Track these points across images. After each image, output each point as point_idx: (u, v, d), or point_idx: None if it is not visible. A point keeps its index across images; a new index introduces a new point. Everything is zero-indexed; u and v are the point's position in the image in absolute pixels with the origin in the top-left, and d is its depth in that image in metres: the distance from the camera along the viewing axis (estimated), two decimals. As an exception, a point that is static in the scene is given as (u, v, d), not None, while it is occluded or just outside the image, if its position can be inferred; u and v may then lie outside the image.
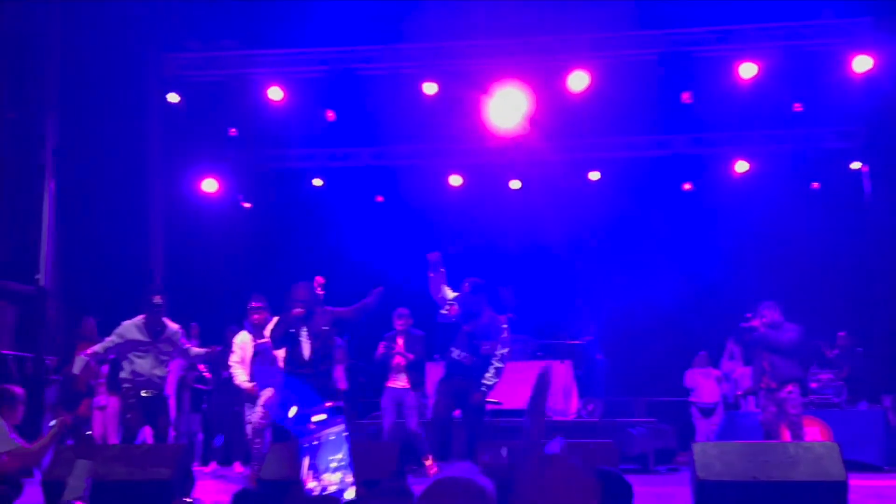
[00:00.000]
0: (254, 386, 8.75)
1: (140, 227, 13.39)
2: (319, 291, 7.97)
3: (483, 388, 7.81)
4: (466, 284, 7.87)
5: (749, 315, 8.71)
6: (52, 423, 6.88)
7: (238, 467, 10.43)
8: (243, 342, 8.94)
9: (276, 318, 8.48)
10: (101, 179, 11.99)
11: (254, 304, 8.96)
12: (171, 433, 10.57)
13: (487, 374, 7.81)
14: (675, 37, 12.04)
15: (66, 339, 11.05)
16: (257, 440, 8.68)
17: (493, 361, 7.79)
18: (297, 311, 7.92)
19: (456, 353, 7.84)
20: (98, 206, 12.04)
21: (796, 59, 11.97)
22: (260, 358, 8.81)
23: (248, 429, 8.84)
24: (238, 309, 9.34)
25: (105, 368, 10.16)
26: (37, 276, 11.05)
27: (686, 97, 11.84)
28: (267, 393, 8.62)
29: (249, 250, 14.61)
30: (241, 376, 8.81)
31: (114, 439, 10.40)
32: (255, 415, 8.73)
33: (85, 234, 12.12)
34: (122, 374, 8.16)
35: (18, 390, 6.81)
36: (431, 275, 7.87)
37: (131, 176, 13.05)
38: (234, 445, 10.75)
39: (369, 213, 15.54)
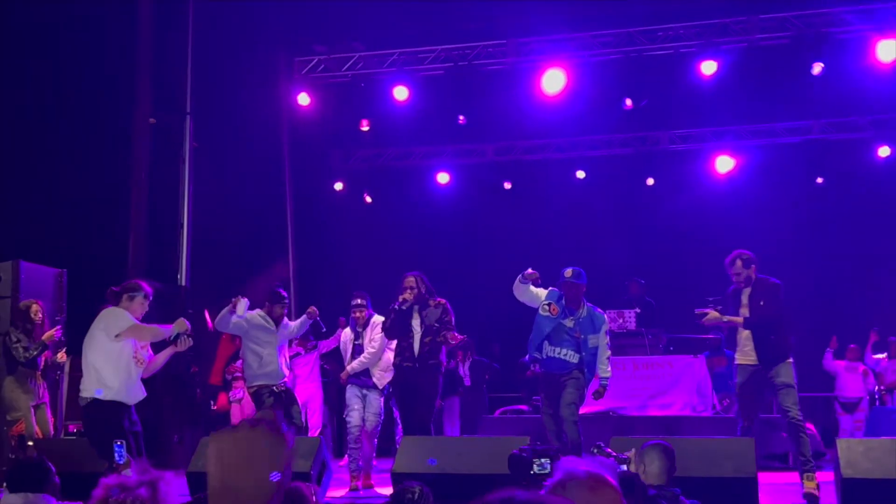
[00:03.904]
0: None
1: (273, 225, 13.78)
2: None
3: (603, 383, 7.69)
4: (570, 270, 7.70)
5: None
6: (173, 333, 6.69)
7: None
8: (345, 341, 8.73)
9: (376, 316, 8.49)
10: (235, 181, 12.38)
11: (356, 302, 8.61)
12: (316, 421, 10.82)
13: (602, 367, 7.67)
14: (810, 18, 11.54)
15: (202, 336, 11.42)
16: (354, 445, 8.44)
17: (603, 353, 7.68)
18: (405, 296, 7.95)
19: (559, 351, 7.67)
20: (233, 206, 12.43)
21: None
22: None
23: (354, 416, 8.52)
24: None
25: (240, 363, 10.41)
26: (178, 276, 11.48)
27: (818, 71, 11.19)
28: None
29: (375, 246, 14.85)
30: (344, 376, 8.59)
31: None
32: (352, 417, 8.48)
33: (221, 233, 12.54)
34: (249, 371, 8.13)
35: (146, 286, 6.82)
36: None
37: (264, 177, 13.45)
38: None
39: (492, 208, 15.58)
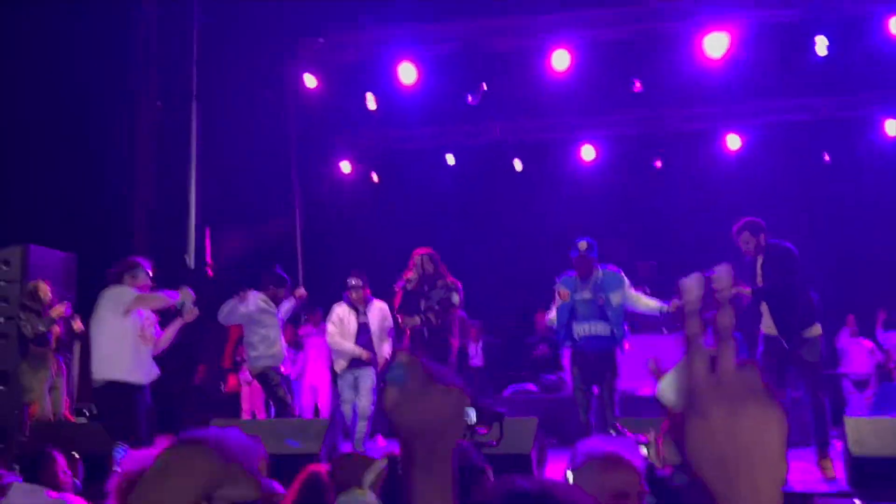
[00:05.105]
0: (369, 354, 8.30)
1: (281, 207, 13.77)
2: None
3: (664, 309, 7.61)
4: (584, 243, 7.69)
5: None
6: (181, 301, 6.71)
7: (381, 441, 10.52)
8: (342, 316, 8.45)
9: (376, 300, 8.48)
10: (242, 163, 12.38)
11: (352, 282, 8.47)
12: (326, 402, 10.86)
13: (651, 305, 7.66)
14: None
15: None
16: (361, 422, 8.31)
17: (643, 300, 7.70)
18: (408, 276, 7.95)
19: (587, 327, 7.65)
20: (241, 188, 12.44)
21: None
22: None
23: (346, 409, 8.41)
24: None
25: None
26: (185, 258, 11.50)
27: (823, 50, 11.01)
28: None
29: (382, 226, 14.87)
30: (346, 343, 8.29)
31: (262, 413, 10.76)
32: (345, 409, 8.39)
33: (229, 215, 12.55)
34: (255, 353, 8.12)
35: (143, 261, 6.92)
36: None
37: (270, 159, 13.44)
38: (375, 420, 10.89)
39: (499, 188, 15.55)
